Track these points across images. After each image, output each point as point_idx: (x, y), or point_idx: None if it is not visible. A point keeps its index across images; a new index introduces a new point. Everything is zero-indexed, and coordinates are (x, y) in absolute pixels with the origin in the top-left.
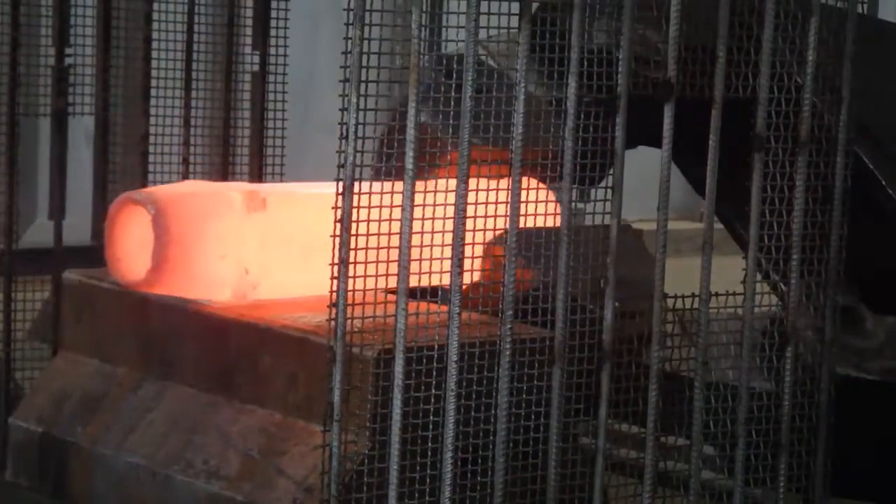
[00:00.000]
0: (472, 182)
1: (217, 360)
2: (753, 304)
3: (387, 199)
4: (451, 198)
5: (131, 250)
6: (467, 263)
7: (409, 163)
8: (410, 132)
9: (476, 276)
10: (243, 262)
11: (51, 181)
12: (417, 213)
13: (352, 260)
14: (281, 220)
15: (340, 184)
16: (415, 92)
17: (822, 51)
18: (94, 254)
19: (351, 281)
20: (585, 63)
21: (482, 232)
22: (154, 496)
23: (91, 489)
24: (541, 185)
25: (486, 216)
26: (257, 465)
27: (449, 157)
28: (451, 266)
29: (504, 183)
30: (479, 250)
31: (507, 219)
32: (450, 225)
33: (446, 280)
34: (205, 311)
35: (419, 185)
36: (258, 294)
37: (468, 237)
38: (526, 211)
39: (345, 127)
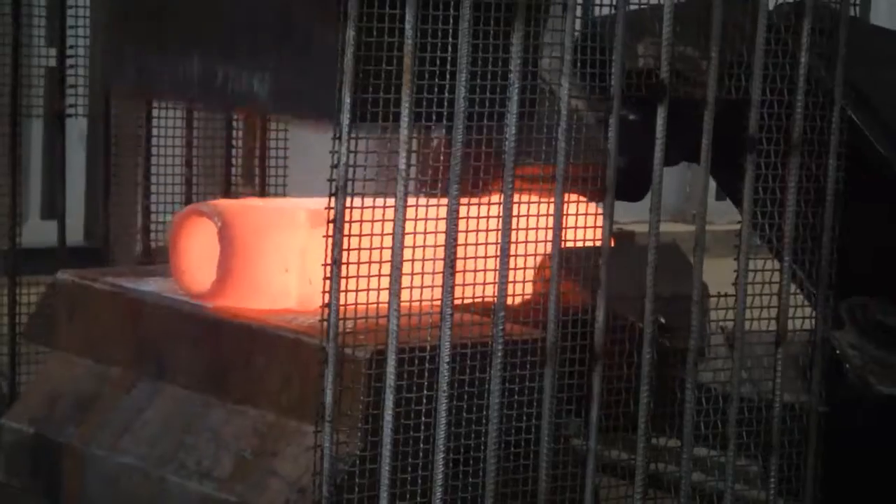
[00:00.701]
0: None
1: (210, 361)
2: (745, 305)
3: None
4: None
5: (196, 262)
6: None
7: (402, 164)
8: (404, 132)
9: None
10: (307, 273)
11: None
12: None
13: (345, 260)
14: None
15: (333, 184)
16: (408, 93)
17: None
18: (88, 254)
19: (344, 282)
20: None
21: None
22: (147, 497)
23: (84, 490)
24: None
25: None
26: (250, 466)
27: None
28: (444, 267)
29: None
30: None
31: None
32: (442, 226)
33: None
34: (198, 311)
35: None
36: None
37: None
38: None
39: (339, 127)
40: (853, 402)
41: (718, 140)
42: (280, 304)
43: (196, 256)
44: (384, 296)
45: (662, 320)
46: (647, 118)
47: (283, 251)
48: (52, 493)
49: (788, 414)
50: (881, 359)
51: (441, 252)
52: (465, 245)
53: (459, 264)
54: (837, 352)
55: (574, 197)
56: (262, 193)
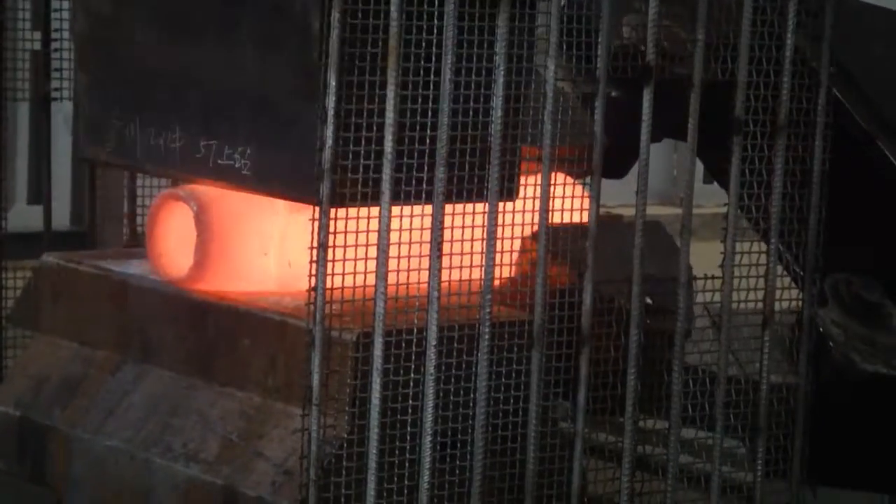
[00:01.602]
0: None
1: (196, 344)
2: (731, 287)
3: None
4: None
5: (173, 247)
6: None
7: (388, 146)
8: (389, 115)
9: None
10: (286, 256)
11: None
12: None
13: (331, 244)
14: None
15: (319, 167)
16: (394, 76)
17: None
18: (74, 238)
19: (330, 265)
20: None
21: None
22: (133, 479)
23: (69, 472)
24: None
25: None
26: (236, 448)
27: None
28: (431, 250)
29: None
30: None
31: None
32: (429, 210)
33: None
34: (184, 294)
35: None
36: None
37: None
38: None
39: (324, 110)
40: (837, 379)
41: (702, 119)
42: (259, 287)
43: (174, 241)
44: (371, 279)
45: (649, 301)
46: (630, 95)
47: (261, 235)
48: (38, 475)
49: (776, 395)
50: (865, 336)
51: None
52: (452, 228)
53: (446, 247)
54: (821, 329)
55: (560, 178)
56: None
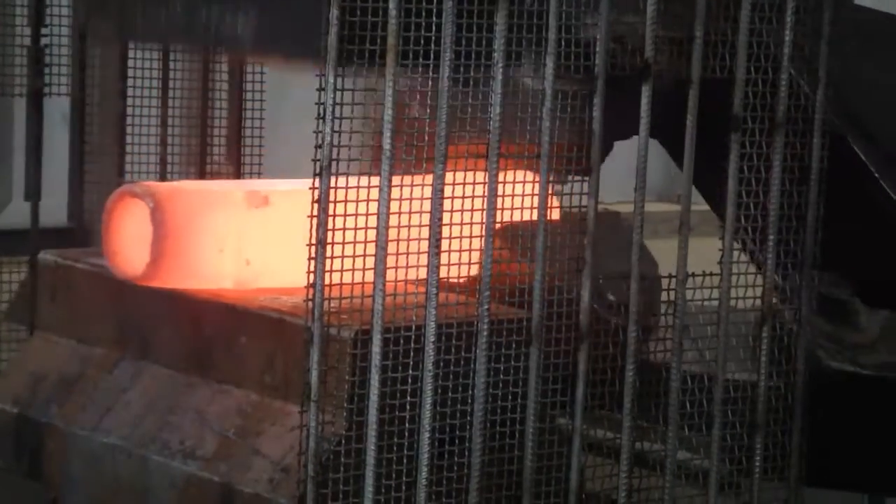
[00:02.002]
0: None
1: (193, 341)
2: (730, 284)
3: (364, 182)
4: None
5: (129, 244)
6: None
7: (387, 143)
8: (388, 112)
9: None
10: (244, 254)
11: (26, 162)
12: (395, 193)
13: (329, 240)
14: (284, 217)
15: (318, 164)
16: (391, 73)
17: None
18: (71, 235)
19: (328, 262)
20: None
21: (461, 219)
22: (130, 476)
23: (67, 470)
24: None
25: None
26: (234, 446)
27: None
28: (429, 246)
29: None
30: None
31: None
32: (427, 206)
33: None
34: (181, 292)
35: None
36: (260, 284)
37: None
38: (513, 203)
39: (322, 107)
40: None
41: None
42: (216, 285)
43: (129, 238)
44: (369, 275)
45: (612, 297)
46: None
47: (218, 232)
48: (35, 472)
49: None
50: (830, 333)
51: (426, 231)
52: (451, 225)
53: (444, 243)
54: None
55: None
56: (238, 173)
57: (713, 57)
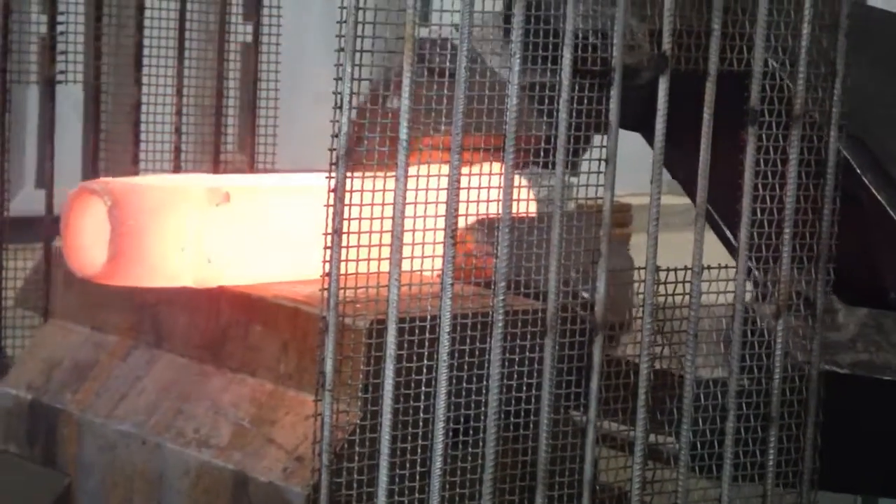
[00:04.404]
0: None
1: (208, 329)
2: (745, 277)
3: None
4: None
5: (88, 241)
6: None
7: (403, 133)
8: (405, 101)
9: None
10: (205, 252)
11: (39, 149)
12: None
13: (345, 230)
14: (245, 214)
15: (334, 153)
16: (409, 62)
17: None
18: None
19: (343, 251)
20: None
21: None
22: (144, 464)
23: (80, 456)
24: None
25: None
26: (248, 434)
27: (422, 142)
28: (445, 237)
29: (497, 167)
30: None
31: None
32: (443, 196)
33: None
34: None
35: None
36: (222, 282)
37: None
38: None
39: (339, 96)
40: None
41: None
42: (176, 283)
43: (88, 235)
44: (384, 265)
45: (585, 295)
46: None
47: (178, 230)
48: (49, 459)
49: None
50: (807, 332)
51: (441, 222)
52: (467, 216)
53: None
54: (762, 325)
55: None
56: (252, 163)
57: (730, 50)
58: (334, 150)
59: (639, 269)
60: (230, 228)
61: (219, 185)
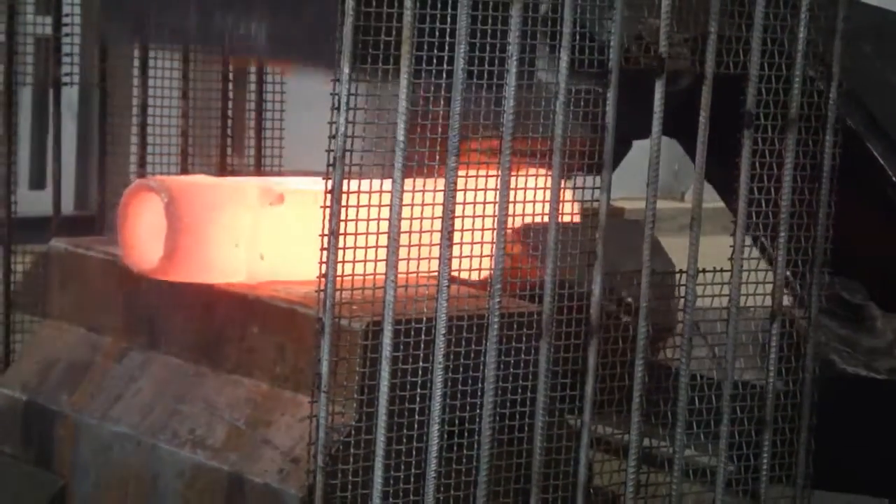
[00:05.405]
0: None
1: (204, 330)
2: (740, 280)
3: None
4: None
5: (144, 238)
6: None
7: (401, 134)
8: (402, 104)
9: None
10: (258, 249)
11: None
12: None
13: (342, 231)
14: (299, 215)
15: (331, 154)
16: (407, 64)
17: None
18: (79, 223)
19: (341, 252)
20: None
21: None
22: (139, 465)
23: (75, 457)
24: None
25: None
26: (243, 436)
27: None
28: (441, 238)
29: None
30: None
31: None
32: (440, 198)
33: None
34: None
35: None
36: (274, 279)
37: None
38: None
39: (337, 98)
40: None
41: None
42: (230, 279)
43: (144, 232)
44: (381, 267)
45: (629, 299)
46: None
47: (232, 226)
48: (44, 460)
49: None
50: (845, 338)
51: (438, 224)
52: (463, 217)
53: (456, 236)
54: (799, 331)
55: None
56: (259, 165)
57: (727, 53)
58: (331, 151)
59: (680, 272)
60: (282, 227)
61: (272, 186)
